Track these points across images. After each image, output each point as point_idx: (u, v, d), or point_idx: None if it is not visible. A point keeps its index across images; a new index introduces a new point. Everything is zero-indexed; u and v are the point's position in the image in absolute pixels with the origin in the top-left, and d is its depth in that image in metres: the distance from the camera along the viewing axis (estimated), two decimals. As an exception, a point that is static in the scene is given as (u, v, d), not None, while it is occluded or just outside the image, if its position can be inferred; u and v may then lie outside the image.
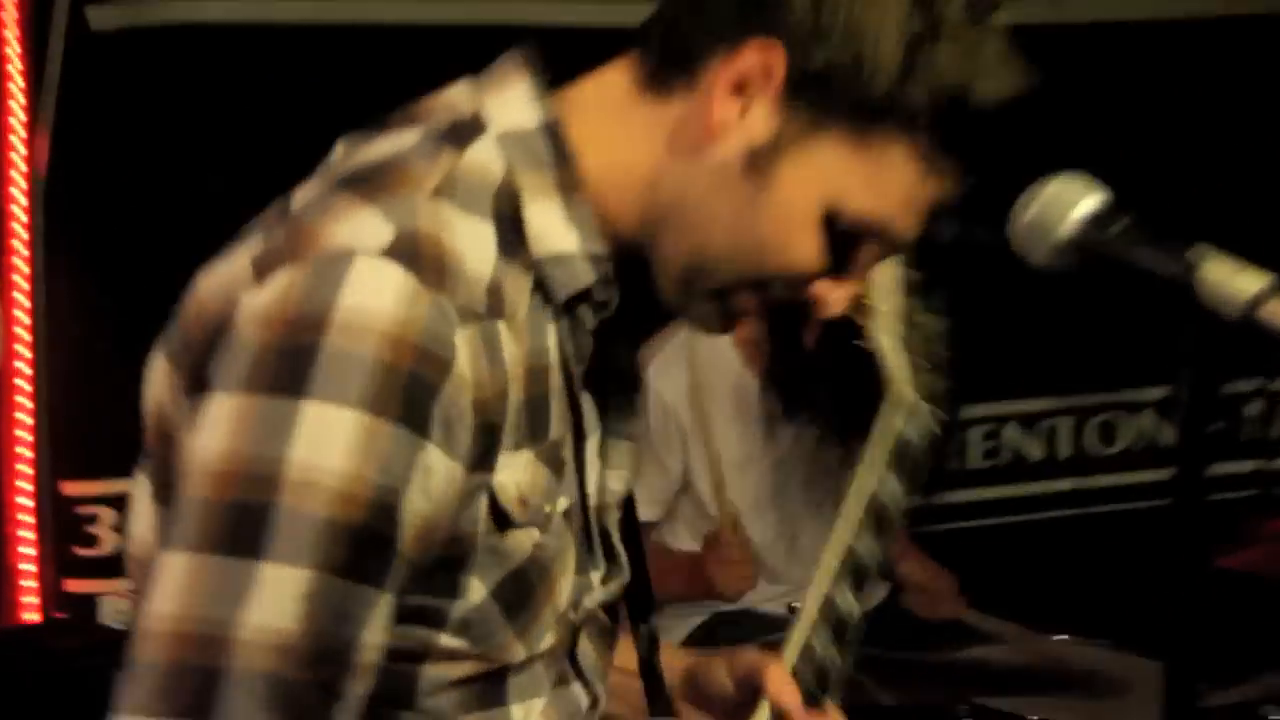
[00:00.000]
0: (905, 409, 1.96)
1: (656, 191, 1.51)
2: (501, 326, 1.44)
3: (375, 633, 1.40)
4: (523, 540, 1.50)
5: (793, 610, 2.96)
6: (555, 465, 1.53)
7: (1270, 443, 4.22)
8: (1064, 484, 4.17)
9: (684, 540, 3.63)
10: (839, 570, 1.85)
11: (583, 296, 1.51)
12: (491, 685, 1.55)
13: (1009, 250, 3.25)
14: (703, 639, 3.53)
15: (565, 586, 1.56)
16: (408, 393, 1.37)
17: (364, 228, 1.39)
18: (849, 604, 1.84)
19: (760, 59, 1.44)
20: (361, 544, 1.37)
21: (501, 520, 1.47)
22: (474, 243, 1.44)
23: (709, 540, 3.48)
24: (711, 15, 1.46)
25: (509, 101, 1.51)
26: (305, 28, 3.42)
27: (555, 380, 1.53)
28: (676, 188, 1.50)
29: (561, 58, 1.55)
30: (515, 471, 1.48)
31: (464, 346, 1.39)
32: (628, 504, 1.73)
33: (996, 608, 3.59)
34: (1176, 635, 1.59)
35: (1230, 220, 3.25)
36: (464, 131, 1.48)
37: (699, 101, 1.46)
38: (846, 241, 1.49)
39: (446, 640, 1.49)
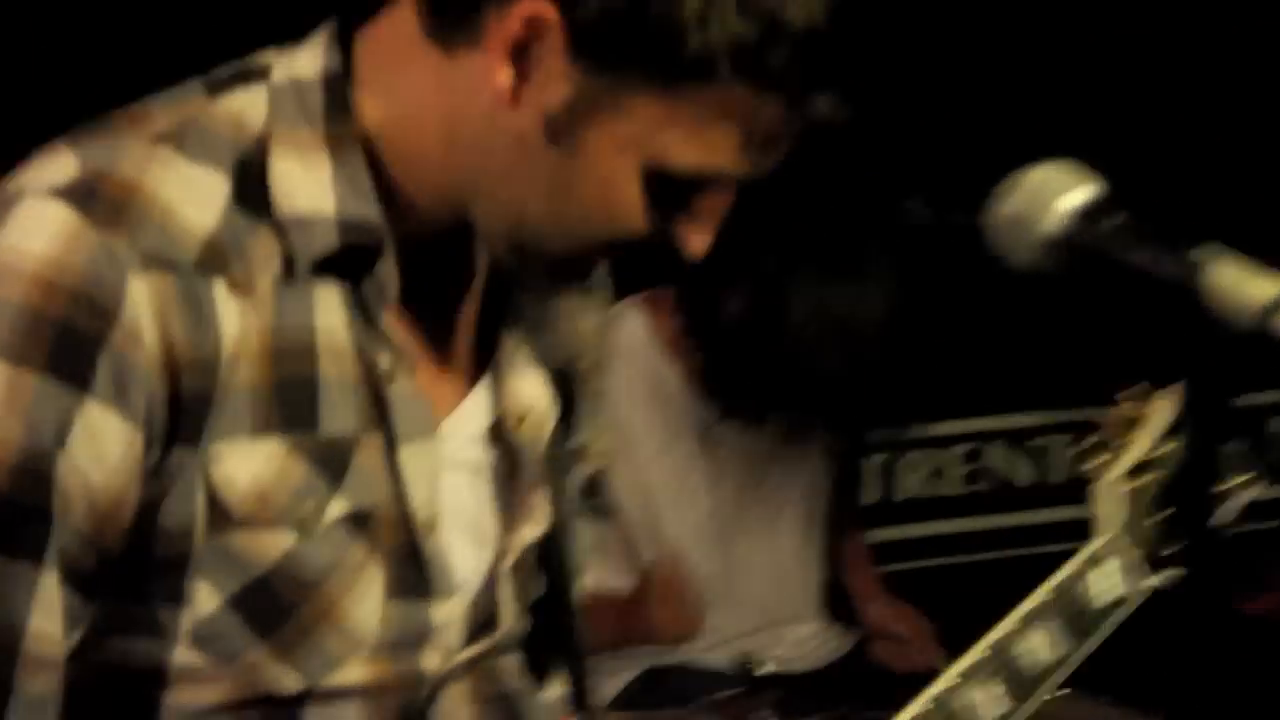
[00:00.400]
0: (1103, 565, 1.93)
1: (456, 156, 1.41)
2: (219, 286, 1.32)
3: (46, 620, 1.31)
4: (265, 544, 1.38)
5: (746, 666, 2.80)
6: (326, 463, 1.39)
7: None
8: (1061, 513, 3.97)
9: (611, 579, 3.20)
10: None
11: (333, 265, 1.38)
12: None
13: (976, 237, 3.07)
14: (636, 698, 3.15)
15: (360, 610, 1.43)
16: (60, 342, 1.28)
17: (50, 169, 1.30)
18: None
19: (530, 17, 1.33)
20: (9, 515, 1.29)
21: (223, 516, 1.35)
22: (192, 193, 1.33)
23: (645, 578, 3.15)
24: None
25: (301, 50, 1.41)
26: None
27: (333, 366, 1.40)
28: (478, 156, 1.41)
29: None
30: (250, 461, 1.36)
31: (143, 296, 1.29)
32: (547, 548, 1.62)
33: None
34: (1188, 689, 1.53)
35: (1240, 214, 3.13)
36: (234, 80, 1.40)
37: (483, 64, 1.35)
38: (685, 190, 1.41)
39: (181, 655, 1.38)
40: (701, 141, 1.39)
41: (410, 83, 1.41)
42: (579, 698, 1.70)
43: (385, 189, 1.41)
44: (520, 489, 1.56)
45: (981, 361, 3.73)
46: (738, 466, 3.22)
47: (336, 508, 1.40)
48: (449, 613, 1.50)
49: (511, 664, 1.62)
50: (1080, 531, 4.01)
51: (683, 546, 3.13)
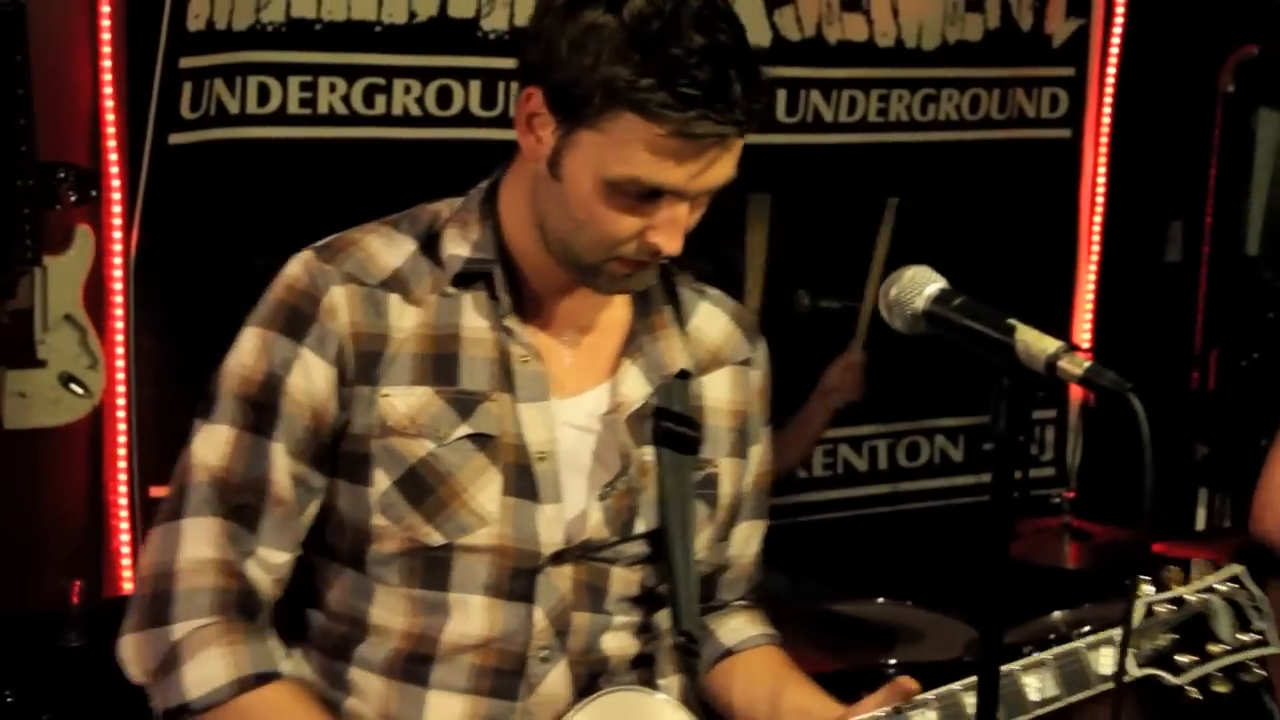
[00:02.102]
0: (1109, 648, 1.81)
1: (534, 210, 1.70)
2: (392, 297, 1.70)
3: (279, 474, 1.68)
4: (414, 447, 1.68)
5: None
6: (459, 404, 1.68)
7: (1029, 458, 4.33)
8: (881, 488, 4.32)
9: None
10: None
11: (469, 281, 1.72)
12: (433, 568, 1.70)
13: (851, 317, 3.41)
14: None
15: (482, 497, 1.68)
16: (289, 316, 1.69)
17: (326, 238, 1.76)
18: None
19: (530, 98, 1.63)
20: (256, 409, 1.69)
21: (387, 428, 1.68)
22: (393, 248, 1.73)
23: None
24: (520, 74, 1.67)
25: (485, 181, 1.78)
26: (323, 141, 3.53)
27: (475, 349, 1.71)
28: (537, 203, 1.69)
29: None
30: (406, 399, 1.68)
31: (342, 295, 1.69)
32: (672, 514, 1.75)
33: (833, 580, 3.67)
34: (980, 599, 1.72)
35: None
36: (455, 196, 1.79)
37: (526, 143, 1.68)
38: (644, 200, 1.60)
39: (375, 518, 1.69)
40: (628, 159, 1.58)
41: (515, 179, 1.74)
42: (677, 612, 1.79)
43: (503, 242, 1.73)
44: (611, 451, 1.74)
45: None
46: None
47: (463, 430, 1.68)
48: (553, 513, 1.70)
49: (606, 566, 1.75)
50: (893, 500, 4.30)
51: None
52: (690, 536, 1.77)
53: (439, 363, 1.69)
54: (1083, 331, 4.42)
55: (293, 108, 3.44)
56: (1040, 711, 1.75)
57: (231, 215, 3.41)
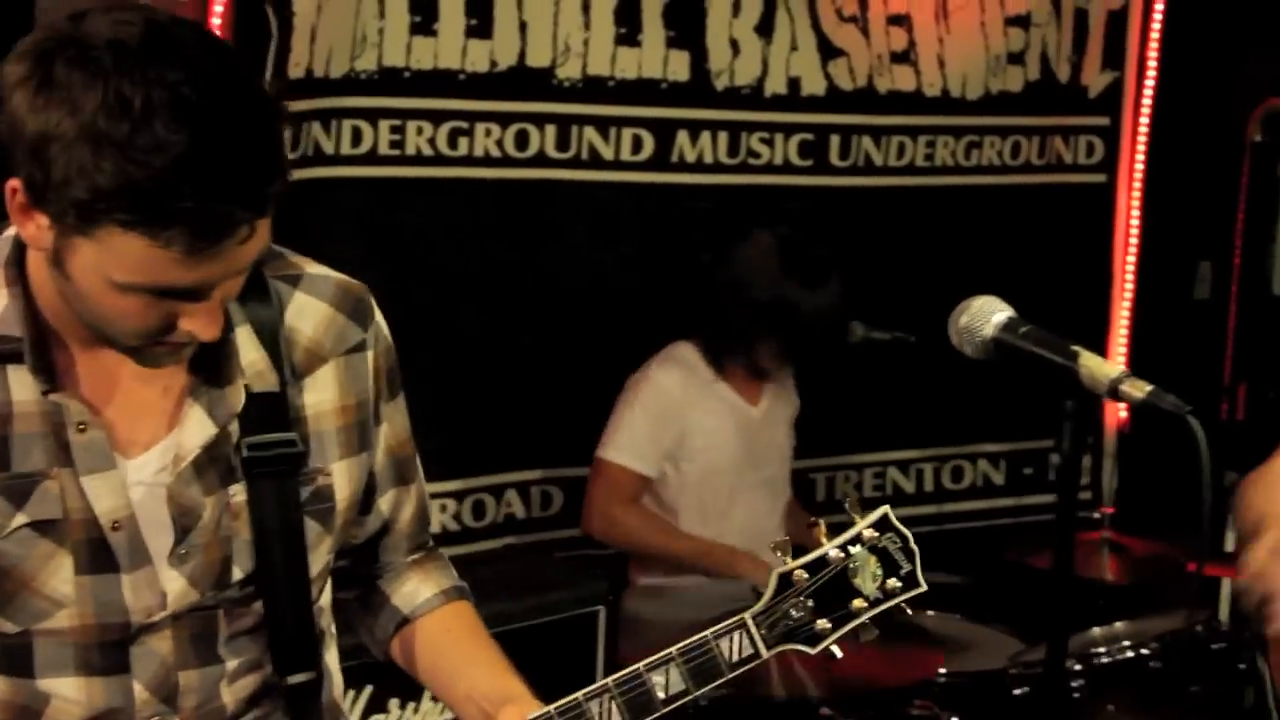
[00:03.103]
0: (744, 631, 1.64)
1: (50, 289, 1.44)
2: None
3: None
4: None
5: (755, 590, 3.04)
6: (11, 491, 1.44)
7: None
8: (928, 509, 4.29)
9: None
10: None
11: (8, 359, 1.44)
12: (14, 655, 1.48)
13: (905, 346, 3.39)
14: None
15: (55, 581, 1.46)
16: None
17: None
18: None
19: (14, 193, 1.35)
20: None
21: None
22: None
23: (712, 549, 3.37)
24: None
25: (9, 231, 1.48)
26: (410, 180, 3.53)
27: (23, 426, 1.44)
28: (55, 283, 1.42)
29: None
30: None
31: None
32: (274, 549, 1.55)
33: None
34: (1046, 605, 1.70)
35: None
36: None
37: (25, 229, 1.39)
38: (169, 295, 1.36)
39: None
40: (131, 269, 1.32)
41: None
42: (280, 652, 1.59)
43: (36, 311, 1.45)
44: (194, 504, 1.51)
45: (888, 421, 4.06)
46: (755, 439, 3.47)
47: (19, 520, 1.44)
48: (141, 579, 1.49)
49: (211, 613, 1.54)
50: (939, 520, 4.32)
51: (725, 487, 3.39)
52: (303, 562, 1.56)
53: None
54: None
55: (383, 149, 3.44)
56: (668, 708, 1.61)
57: (325, 249, 3.36)
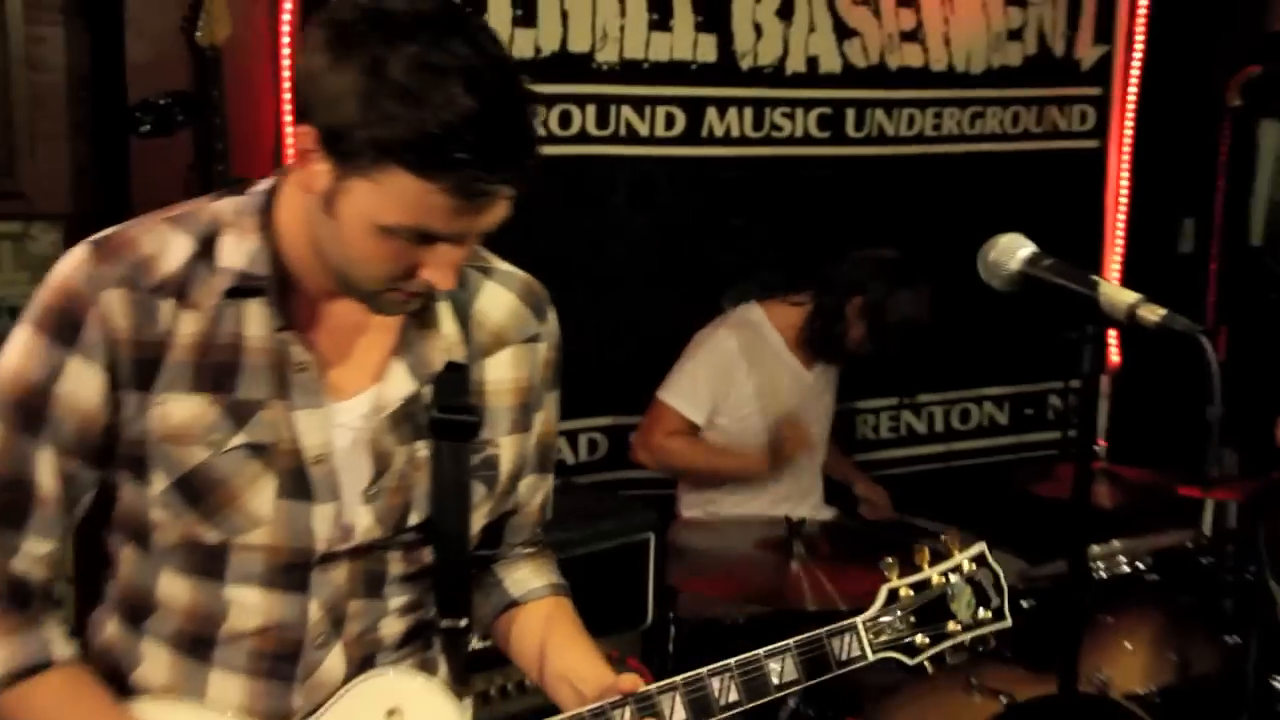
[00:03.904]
0: (854, 633, 1.67)
1: (304, 232, 1.46)
2: (166, 303, 1.45)
3: (45, 475, 1.46)
4: (191, 453, 1.46)
5: (789, 519, 3.17)
6: (235, 413, 1.47)
7: (1065, 420, 4.35)
8: (938, 448, 4.32)
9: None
10: None
11: (244, 293, 1.47)
12: (210, 559, 1.50)
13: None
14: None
15: (257, 500, 1.48)
16: (59, 320, 1.44)
17: (104, 231, 1.50)
18: None
19: (304, 136, 1.38)
20: (25, 411, 1.45)
21: (163, 435, 1.46)
22: (168, 250, 1.47)
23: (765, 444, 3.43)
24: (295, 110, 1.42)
25: (271, 180, 1.53)
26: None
27: (253, 358, 1.48)
28: (313, 229, 1.45)
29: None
30: (181, 407, 1.45)
31: (113, 300, 1.43)
32: (446, 503, 1.56)
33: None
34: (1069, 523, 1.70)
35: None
36: (235, 193, 1.53)
37: (298, 172, 1.44)
38: (417, 242, 1.39)
39: (154, 512, 1.49)
40: (401, 210, 1.35)
41: (290, 195, 1.48)
42: (445, 597, 1.62)
43: (279, 254, 1.48)
44: (375, 451, 1.53)
45: (899, 371, 3.92)
46: (809, 400, 3.52)
47: (238, 440, 1.46)
48: (329, 512, 1.51)
49: (383, 554, 1.56)
50: (945, 457, 4.29)
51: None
52: (466, 519, 1.59)
53: (217, 370, 1.47)
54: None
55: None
56: (781, 694, 1.62)
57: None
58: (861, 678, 2.83)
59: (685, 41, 3.74)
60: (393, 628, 1.59)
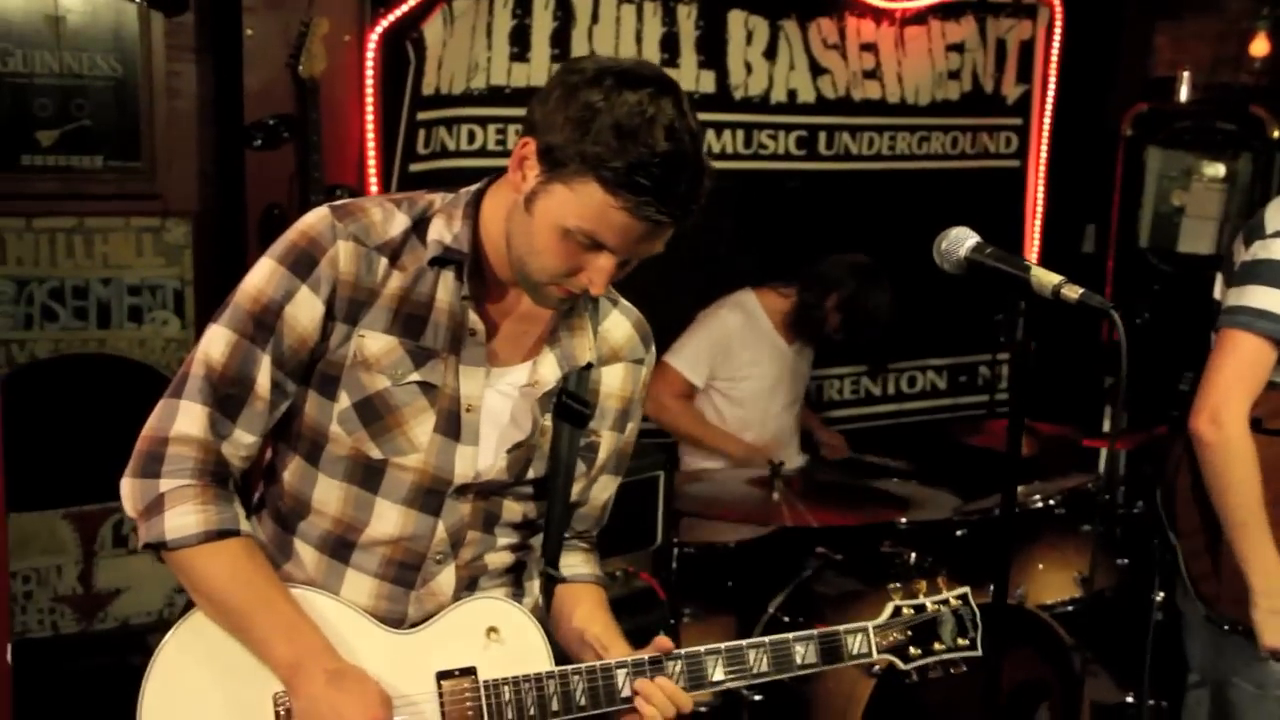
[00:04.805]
0: (863, 634, 1.65)
1: (506, 225, 1.46)
2: (383, 260, 1.45)
3: (263, 377, 1.44)
4: (375, 380, 1.45)
5: (773, 464, 3.16)
6: (416, 355, 1.46)
7: (992, 385, 4.32)
8: (890, 407, 4.27)
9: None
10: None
11: (444, 263, 1.46)
12: (369, 473, 1.48)
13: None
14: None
15: (418, 430, 1.47)
16: (299, 257, 1.44)
17: (342, 199, 1.51)
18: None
19: (525, 145, 1.39)
20: (256, 324, 1.44)
21: (357, 361, 1.45)
22: (391, 221, 1.47)
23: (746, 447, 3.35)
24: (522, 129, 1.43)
25: (475, 185, 1.53)
26: None
27: (438, 317, 1.47)
28: (510, 222, 1.45)
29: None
30: (377, 342, 1.45)
31: (344, 249, 1.44)
32: (557, 466, 1.55)
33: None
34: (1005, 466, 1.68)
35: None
36: (446, 191, 1.53)
37: (510, 175, 1.44)
38: (585, 249, 1.39)
39: (333, 426, 1.47)
40: (585, 216, 1.35)
41: (498, 194, 1.49)
42: (549, 545, 1.60)
43: (478, 238, 1.48)
44: (524, 416, 1.53)
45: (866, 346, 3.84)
46: (789, 370, 3.48)
47: (414, 376, 1.46)
48: (469, 453, 1.50)
49: (500, 498, 1.55)
50: (896, 415, 4.27)
51: (762, 405, 3.41)
52: (570, 484, 1.59)
53: (410, 320, 1.46)
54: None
55: (490, 146, 3.42)
56: (801, 672, 1.60)
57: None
58: (825, 590, 2.87)
59: (689, 76, 3.69)
60: (496, 561, 1.57)
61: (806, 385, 3.62)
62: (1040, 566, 3.11)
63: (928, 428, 4.20)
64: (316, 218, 1.46)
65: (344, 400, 1.46)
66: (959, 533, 3.12)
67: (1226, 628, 2.15)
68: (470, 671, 1.48)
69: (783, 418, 3.46)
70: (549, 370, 1.53)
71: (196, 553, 1.43)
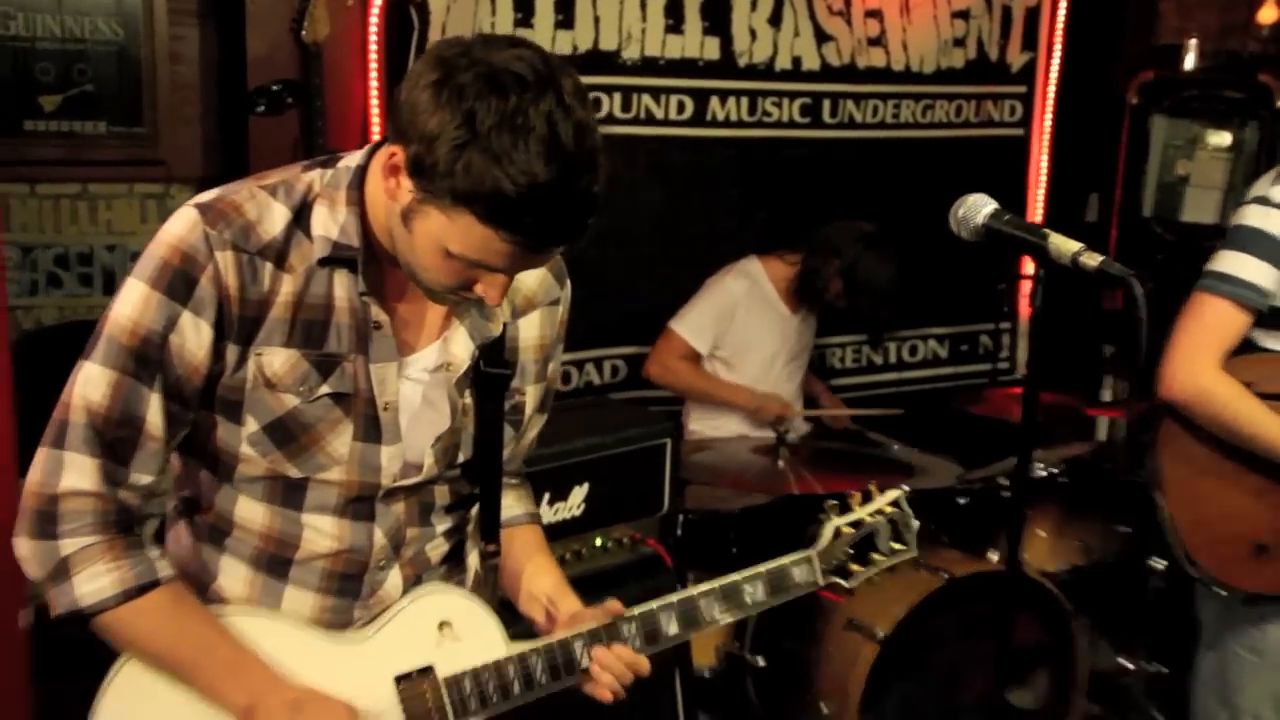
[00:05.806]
0: (806, 563, 1.64)
1: (390, 223, 1.33)
2: (268, 265, 1.32)
3: (154, 415, 1.32)
4: (283, 400, 1.36)
5: (778, 429, 3.17)
6: (322, 365, 1.36)
7: (993, 354, 4.32)
8: (891, 375, 4.27)
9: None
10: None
11: (334, 262, 1.35)
12: (290, 491, 1.40)
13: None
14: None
15: (337, 443, 1.39)
16: (174, 278, 1.30)
17: (204, 195, 1.36)
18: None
19: (393, 154, 1.26)
20: (139, 360, 1.31)
21: (260, 382, 1.35)
22: (269, 216, 1.34)
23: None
24: (389, 127, 1.29)
25: (354, 154, 1.40)
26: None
27: (339, 318, 1.37)
28: (390, 221, 1.33)
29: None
30: (277, 358, 1.35)
31: (224, 261, 1.31)
32: (486, 444, 1.48)
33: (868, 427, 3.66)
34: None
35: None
36: (324, 165, 1.39)
37: (384, 178, 1.31)
38: (473, 266, 1.29)
39: (243, 448, 1.38)
40: (465, 244, 1.25)
41: (376, 185, 1.36)
42: (486, 523, 1.55)
43: (366, 228, 1.36)
44: (442, 402, 1.46)
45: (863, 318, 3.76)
46: (791, 338, 3.46)
47: (325, 389, 1.36)
48: (394, 451, 1.42)
49: (432, 487, 1.48)
50: (898, 384, 4.26)
51: (764, 372, 3.40)
52: (499, 457, 1.51)
53: (309, 327, 1.35)
54: (1028, 269, 4.33)
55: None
56: (754, 610, 1.59)
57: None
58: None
59: (694, 42, 3.66)
60: (437, 550, 1.52)
61: (810, 354, 3.61)
62: (1041, 534, 3.12)
63: (929, 396, 4.20)
64: (185, 227, 1.31)
65: (251, 424, 1.36)
66: (961, 500, 3.11)
67: (1226, 594, 2.14)
68: (428, 671, 1.43)
69: (785, 386, 3.45)
70: (461, 347, 1.44)
71: (118, 615, 1.33)
